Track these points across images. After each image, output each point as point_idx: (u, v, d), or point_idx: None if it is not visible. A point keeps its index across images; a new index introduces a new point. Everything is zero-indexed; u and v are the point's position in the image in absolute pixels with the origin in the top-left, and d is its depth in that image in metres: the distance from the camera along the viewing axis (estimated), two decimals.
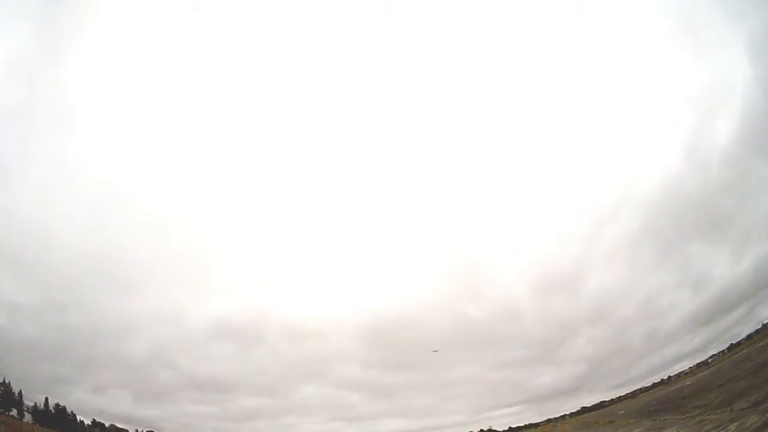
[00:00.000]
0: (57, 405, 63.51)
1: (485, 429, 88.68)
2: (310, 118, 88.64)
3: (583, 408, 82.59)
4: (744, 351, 49.51)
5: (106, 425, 67.79)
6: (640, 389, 73.31)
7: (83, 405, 67.01)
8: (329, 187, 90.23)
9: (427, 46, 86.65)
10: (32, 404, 61.84)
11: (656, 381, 72.14)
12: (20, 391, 60.62)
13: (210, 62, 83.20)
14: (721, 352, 64.71)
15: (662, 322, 74.22)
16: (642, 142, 79.93)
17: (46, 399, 63.13)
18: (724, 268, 69.29)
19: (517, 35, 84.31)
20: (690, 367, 67.83)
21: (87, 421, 66.18)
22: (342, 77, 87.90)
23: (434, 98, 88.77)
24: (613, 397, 77.42)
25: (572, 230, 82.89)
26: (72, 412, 64.74)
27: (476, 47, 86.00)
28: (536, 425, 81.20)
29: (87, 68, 76.52)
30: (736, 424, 13.30)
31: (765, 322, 60.58)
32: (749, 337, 60.98)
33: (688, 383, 46.90)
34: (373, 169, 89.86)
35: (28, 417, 60.20)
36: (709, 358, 65.78)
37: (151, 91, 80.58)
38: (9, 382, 60.01)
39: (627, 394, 75.54)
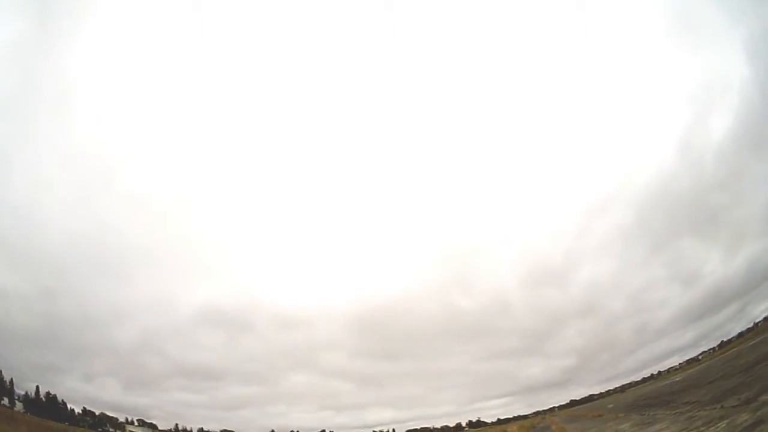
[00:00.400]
0: (48, 393, 63.17)
1: (474, 420, 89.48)
2: (302, 111, 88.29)
3: (572, 401, 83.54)
4: (735, 349, 49.73)
5: (96, 413, 67.65)
6: (630, 384, 74.08)
7: (74, 393, 66.94)
8: (321, 177, 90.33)
9: (425, 43, 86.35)
10: (23, 393, 61.46)
11: (646, 376, 73.16)
12: (11, 379, 60.22)
13: (207, 54, 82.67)
14: (711, 349, 65.29)
15: (652, 317, 75.10)
16: (637, 137, 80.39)
17: (37, 387, 62.74)
18: (716, 264, 70.00)
19: (514, 31, 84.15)
20: (680, 363, 68.46)
21: (77, 410, 66.05)
22: (336, 70, 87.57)
23: (428, 91, 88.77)
24: (602, 391, 78.42)
25: (564, 223, 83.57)
26: (62, 400, 64.53)
27: (474, 43, 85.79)
28: (525, 417, 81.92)
29: (85, 55, 75.90)
30: (726, 421, 13.18)
31: (756, 321, 60.94)
32: (740, 335, 61.24)
33: (677, 379, 47.14)
34: (365, 160, 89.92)
35: (19, 406, 59.79)
36: (700, 354, 66.33)
37: (148, 79, 79.98)
38: (0, 371, 59.61)
39: (616, 388, 76.38)
